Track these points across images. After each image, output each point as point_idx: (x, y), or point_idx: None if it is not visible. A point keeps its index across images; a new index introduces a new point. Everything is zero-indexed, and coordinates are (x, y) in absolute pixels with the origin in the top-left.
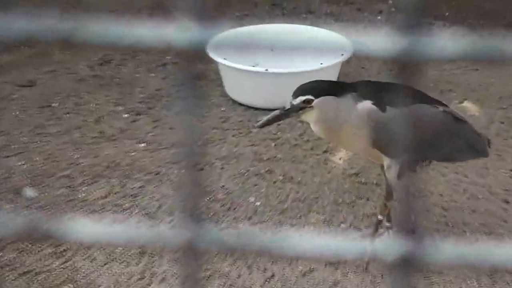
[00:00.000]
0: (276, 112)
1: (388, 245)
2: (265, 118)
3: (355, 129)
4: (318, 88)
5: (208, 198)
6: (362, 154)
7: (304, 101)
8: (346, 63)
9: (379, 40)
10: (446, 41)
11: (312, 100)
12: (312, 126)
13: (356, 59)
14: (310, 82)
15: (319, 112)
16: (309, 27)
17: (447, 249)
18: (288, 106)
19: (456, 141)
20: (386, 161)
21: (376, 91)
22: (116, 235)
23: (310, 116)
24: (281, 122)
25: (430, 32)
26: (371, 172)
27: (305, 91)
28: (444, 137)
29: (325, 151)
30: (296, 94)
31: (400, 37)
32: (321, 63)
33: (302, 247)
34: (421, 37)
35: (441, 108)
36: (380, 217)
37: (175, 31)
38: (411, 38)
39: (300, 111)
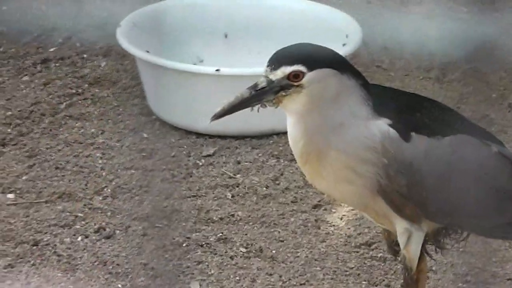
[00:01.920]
0: (244, 94)
1: None
2: (225, 103)
3: (352, 159)
4: (313, 55)
5: (120, 285)
6: (356, 205)
7: (289, 75)
8: (351, 59)
9: (412, 24)
10: None
11: (304, 74)
12: (291, 126)
13: (368, 53)
14: (298, 45)
15: (312, 97)
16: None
17: None
18: (262, 84)
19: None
20: (400, 225)
21: (398, 106)
22: None
23: (295, 104)
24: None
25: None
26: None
27: (292, 58)
28: (496, 196)
29: (316, 206)
30: (275, 63)
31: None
32: None
33: None
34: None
35: (494, 148)
36: None
37: (64, 8)
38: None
39: (281, 93)
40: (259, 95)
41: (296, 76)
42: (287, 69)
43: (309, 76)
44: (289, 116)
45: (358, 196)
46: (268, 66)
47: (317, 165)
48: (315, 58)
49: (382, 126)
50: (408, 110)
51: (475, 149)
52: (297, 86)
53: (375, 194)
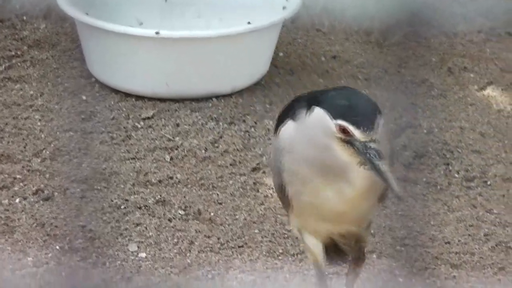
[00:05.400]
0: (386, 165)
1: None
2: (391, 179)
3: None
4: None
5: (58, 247)
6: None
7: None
8: (292, 23)
9: None
10: None
11: None
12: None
13: (308, 16)
14: (357, 96)
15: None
16: None
17: None
18: (378, 148)
19: None
20: (370, 218)
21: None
22: None
23: None
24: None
25: None
26: None
27: (375, 111)
28: None
29: (255, 169)
30: (372, 123)
31: None
32: (249, 22)
33: None
34: None
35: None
36: None
37: None
38: None
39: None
40: (383, 163)
41: None
42: (380, 122)
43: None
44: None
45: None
46: (365, 130)
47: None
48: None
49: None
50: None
51: None
52: None
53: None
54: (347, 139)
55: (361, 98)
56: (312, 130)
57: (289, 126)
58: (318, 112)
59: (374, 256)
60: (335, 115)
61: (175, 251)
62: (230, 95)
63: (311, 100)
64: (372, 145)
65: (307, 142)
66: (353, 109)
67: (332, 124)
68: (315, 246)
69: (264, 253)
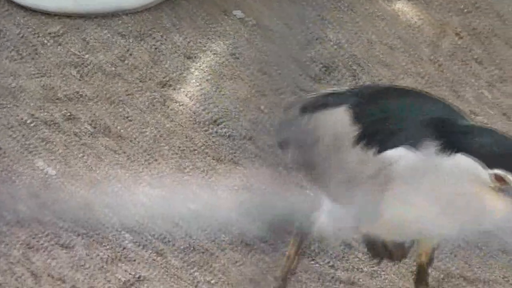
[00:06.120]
0: None
1: None
2: None
3: None
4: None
5: None
6: None
7: None
8: None
9: None
10: None
11: None
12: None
13: None
14: (490, 132)
15: None
16: None
17: None
18: None
19: None
20: None
21: None
22: None
23: None
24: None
25: None
26: (241, 118)
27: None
28: None
29: (163, 84)
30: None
31: None
32: None
33: None
34: None
35: None
36: None
37: None
38: None
39: None
40: None
41: None
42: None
43: None
44: None
45: None
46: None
47: None
48: None
49: None
50: None
51: None
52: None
53: None
54: (502, 188)
55: (506, 138)
56: (454, 178)
57: (406, 156)
58: (465, 161)
59: None
60: (489, 163)
61: (83, 167)
62: (139, 11)
63: (444, 134)
64: None
65: (442, 187)
66: (509, 155)
67: (485, 173)
68: None
69: (172, 168)
